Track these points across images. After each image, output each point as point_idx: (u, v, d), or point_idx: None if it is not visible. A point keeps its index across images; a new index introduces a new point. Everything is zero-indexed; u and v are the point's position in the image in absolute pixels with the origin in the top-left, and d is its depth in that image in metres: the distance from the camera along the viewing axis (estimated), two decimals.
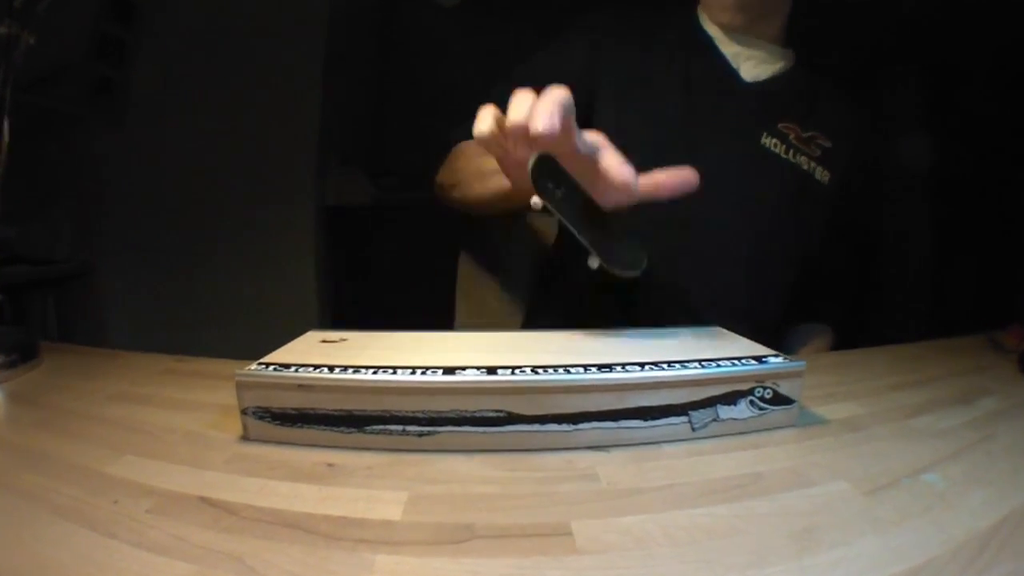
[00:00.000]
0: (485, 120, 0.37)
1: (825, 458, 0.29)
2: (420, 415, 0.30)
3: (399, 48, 2.09)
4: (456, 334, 0.41)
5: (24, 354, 0.42)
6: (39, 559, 0.21)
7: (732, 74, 0.61)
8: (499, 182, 0.47)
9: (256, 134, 1.51)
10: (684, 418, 0.32)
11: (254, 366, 0.32)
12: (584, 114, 0.57)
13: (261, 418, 0.31)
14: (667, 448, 0.31)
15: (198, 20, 1.45)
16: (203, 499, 0.25)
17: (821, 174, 0.61)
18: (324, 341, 0.38)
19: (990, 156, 1.06)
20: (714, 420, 0.32)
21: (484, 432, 0.30)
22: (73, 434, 0.32)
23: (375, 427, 0.31)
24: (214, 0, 1.44)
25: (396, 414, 0.30)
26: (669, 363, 0.32)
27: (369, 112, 2.11)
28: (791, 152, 0.60)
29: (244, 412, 0.31)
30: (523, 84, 0.40)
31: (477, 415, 0.30)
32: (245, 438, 0.32)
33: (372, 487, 0.27)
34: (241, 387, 0.31)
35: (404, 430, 0.30)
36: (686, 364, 0.32)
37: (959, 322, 0.58)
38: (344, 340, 0.38)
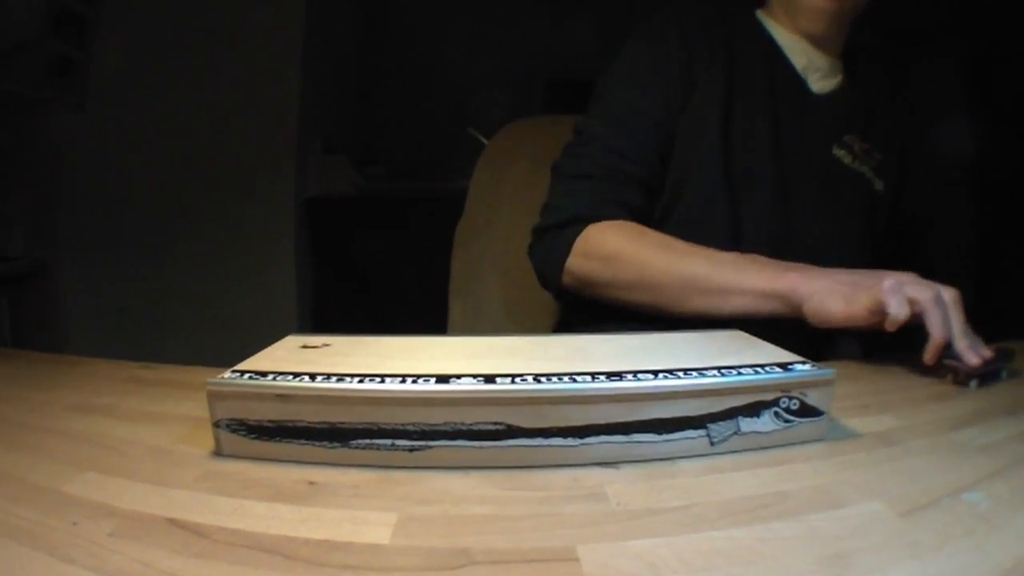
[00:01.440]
0: (903, 311, 0.44)
1: (857, 476, 0.29)
2: (411, 428, 0.30)
3: (385, 22, 2.10)
4: (451, 339, 0.41)
5: None
6: None
7: (805, 86, 0.66)
8: (749, 303, 0.53)
9: (231, 119, 1.51)
10: (702, 431, 0.32)
11: (227, 374, 0.32)
12: (668, 132, 0.63)
13: (235, 431, 0.31)
14: (683, 464, 0.31)
15: None
16: (171, 521, 0.25)
17: (878, 184, 0.67)
18: (305, 347, 0.38)
19: None
20: (735, 434, 0.32)
21: (481, 447, 0.30)
22: (28, 449, 0.32)
23: (361, 441, 0.30)
24: None
25: (384, 427, 0.30)
26: (685, 371, 0.32)
27: (354, 94, 2.12)
28: (856, 162, 0.65)
29: (217, 425, 0.31)
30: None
31: (474, 428, 0.30)
32: (218, 453, 0.32)
33: (358, 507, 0.27)
34: (213, 397, 0.31)
35: (393, 444, 0.30)
36: (704, 372, 0.32)
37: (1008, 325, 0.58)
38: (327, 345, 0.38)
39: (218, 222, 1.49)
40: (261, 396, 0.31)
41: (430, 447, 0.30)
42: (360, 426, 0.30)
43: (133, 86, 1.47)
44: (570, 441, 0.31)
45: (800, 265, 0.52)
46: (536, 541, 0.24)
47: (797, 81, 0.65)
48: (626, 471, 0.30)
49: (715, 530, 0.25)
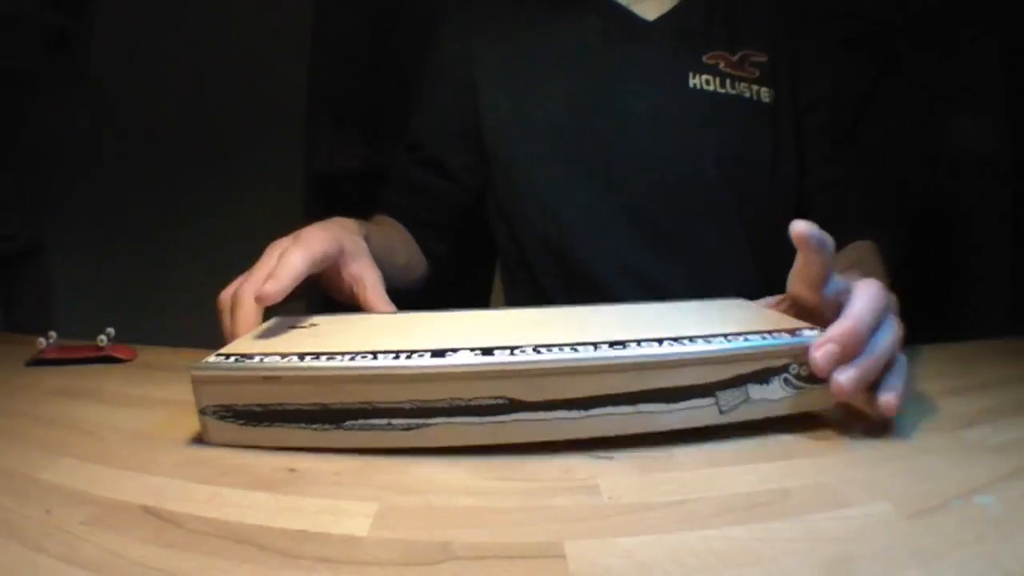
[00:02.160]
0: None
1: (863, 474, 0.28)
2: (407, 406, 0.30)
3: None
4: (444, 313, 0.40)
5: None
6: None
7: (631, 18, 0.60)
8: None
9: (235, 94, 1.50)
10: (711, 400, 0.31)
11: (212, 357, 0.31)
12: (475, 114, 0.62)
13: (223, 418, 0.31)
14: (680, 457, 0.30)
15: None
16: (146, 509, 0.25)
17: (765, 95, 0.59)
18: (292, 327, 0.38)
19: None
20: (744, 402, 0.31)
21: (482, 423, 0.30)
22: (3, 434, 0.32)
23: (355, 422, 0.30)
24: None
25: (379, 406, 0.30)
26: (691, 338, 0.32)
27: (366, 65, 2.08)
28: (728, 83, 0.58)
29: (203, 412, 0.31)
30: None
31: (473, 404, 0.29)
32: (204, 442, 0.31)
33: (338, 496, 0.26)
34: (198, 383, 0.30)
35: (389, 424, 0.30)
36: (710, 339, 0.32)
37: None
38: (315, 325, 0.38)
39: (221, 200, 1.48)
40: (248, 379, 0.30)
41: (428, 425, 0.30)
42: (353, 406, 0.30)
43: (133, 60, 1.45)
44: (574, 413, 0.30)
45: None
46: (521, 536, 0.24)
47: (626, 17, 0.60)
48: (621, 462, 0.30)
49: (711, 528, 0.24)
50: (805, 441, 0.32)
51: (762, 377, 0.31)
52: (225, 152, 1.50)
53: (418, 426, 0.30)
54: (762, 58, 0.59)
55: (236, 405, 0.30)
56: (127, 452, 0.30)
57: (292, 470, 0.28)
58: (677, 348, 0.31)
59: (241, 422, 0.30)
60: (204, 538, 0.23)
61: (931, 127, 1.10)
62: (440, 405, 0.29)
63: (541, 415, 0.30)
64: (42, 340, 0.43)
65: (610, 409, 0.30)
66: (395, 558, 0.22)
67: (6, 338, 0.50)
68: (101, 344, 0.43)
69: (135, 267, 1.48)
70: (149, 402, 0.36)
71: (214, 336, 0.38)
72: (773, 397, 0.32)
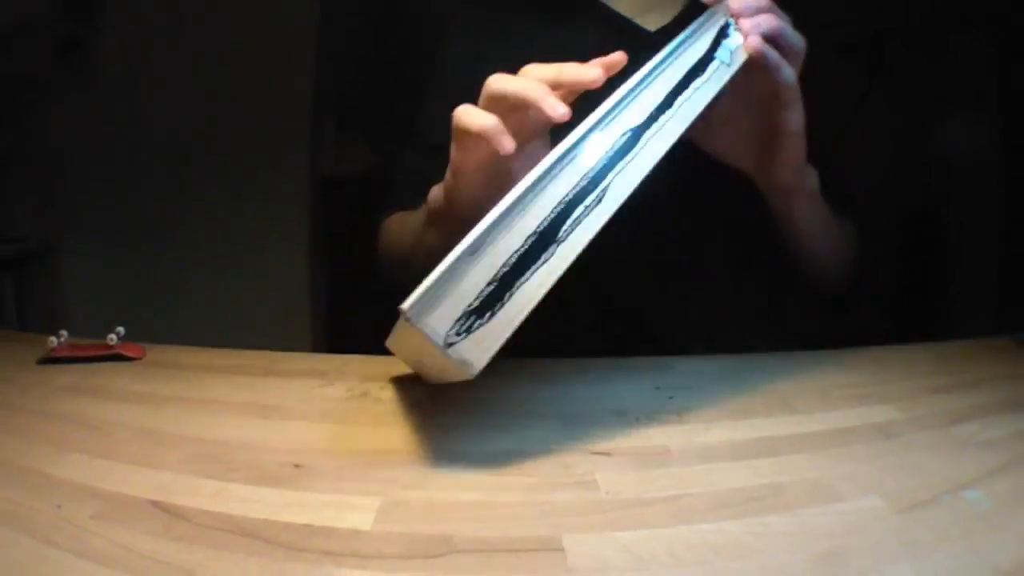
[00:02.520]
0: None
1: (855, 469, 0.28)
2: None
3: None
4: None
5: None
6: None
7: (634, 28, 0.60)
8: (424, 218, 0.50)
9: (240, 97, 1.49)
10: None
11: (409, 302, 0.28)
12: None
13: (469, 330, 0.28)
14: (676, 452, 0.30)
15: None
16: (154, 503, 0.25)
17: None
18: None
19: None
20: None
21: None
22: (15, 431, 0.32)
23: (565, 225, 0.31)
24: None
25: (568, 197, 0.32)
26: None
27: (371, 68, 2.08)
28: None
29: (449, 346, 0.27)
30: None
31: None
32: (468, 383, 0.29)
33: (342, 491, 0.26)
34: (419, 316, 0.27)
35: (586, 208, 0.32)
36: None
37: (1019, 320, 0.56)
38: None
39: (227, 202, 1.48)
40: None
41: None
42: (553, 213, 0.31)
43: (142, 64, 1.45)
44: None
45: None
46: (521, 530, 0.24)
47: (629, 28, 0.60)
48: (618, 458, 0.29)
49: (706, 523, 0.24)
50: (797, 437, 0.32)
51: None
52: (231, 155, 1.49)
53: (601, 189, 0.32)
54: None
55: (469, 306, 0.28)
56: (135, 448, 0.30)
57: (297, 465, 0.28)
58: None
59: (486, 316, 0.28)
60: (211, 532, 0.23)
61: (922, 130, 1.10)
62: None
63: None
64: (53, 339, 0.43)
65: None
66: (398, 551, 0.22)
67: (19, 337, 0.50)
68: (111, 343, 0.43)
69: (143, 268, 1.48)
70: (157, 399, 0.36)
71: (220, 335, 0.38)
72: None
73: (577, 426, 0.33)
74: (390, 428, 0.33)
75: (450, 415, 0.35)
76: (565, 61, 0.61)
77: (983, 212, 1.12)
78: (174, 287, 1.48)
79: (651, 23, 0.60)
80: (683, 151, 0.39)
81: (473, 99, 0.63)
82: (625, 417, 0.34)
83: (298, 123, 1.57)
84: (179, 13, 1.45)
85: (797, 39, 0.41)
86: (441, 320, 0.28)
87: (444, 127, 0.66)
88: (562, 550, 0.22)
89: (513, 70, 0.63)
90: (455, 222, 0.43)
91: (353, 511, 0.25)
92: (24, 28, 1.22)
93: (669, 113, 0.37)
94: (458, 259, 0.28)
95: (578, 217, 0.31)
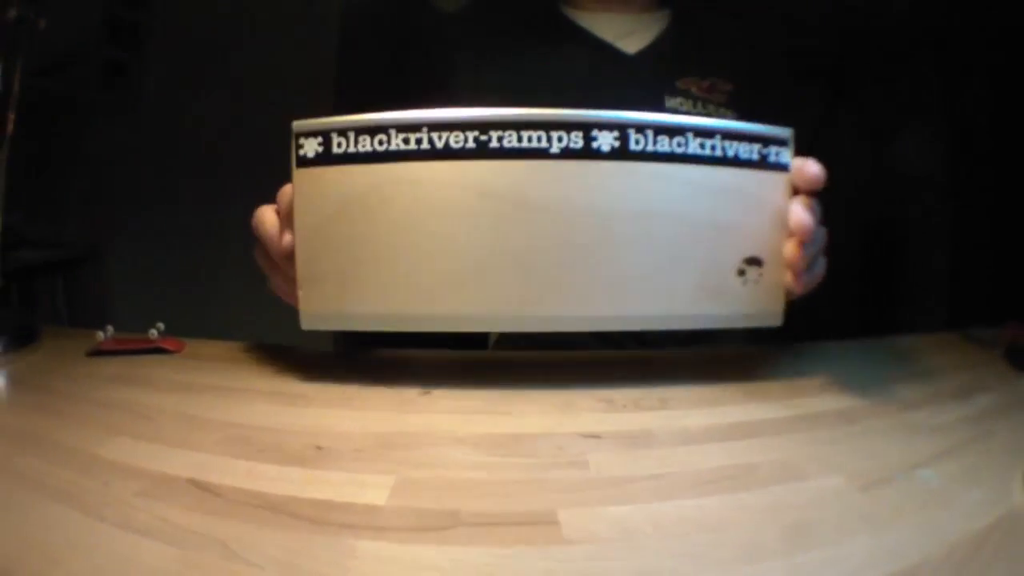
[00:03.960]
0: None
1: (820, 451, 0.28)
2: None
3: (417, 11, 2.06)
4: None
5: (24, 337, 0.42)
6: (28, 541, 0.21)
7: (615, 52, 0.60)
8: None
9: (269, 115, 1.49)
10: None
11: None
12: None
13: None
14: (660, 436, 0.30)
15: (211, 4, 1.43)
16: (191, 481, 0.25)
17: (731, 115, 0.59)
18: None
19: (999, 152, 1.03)
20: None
21: None
22: (68, 416, 0.32)
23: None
24: None
25: None
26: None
27: (385, 87, 2.08)
28: (698, 105, 0.59)
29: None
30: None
31: None
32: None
33: (359, 471, 0.26)
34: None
35: None
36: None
37: (967, 317, 0.56)
38: None
39: (256, 209, 1.48)
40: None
41: None
42: None
43: (179, 87, 1.45)
44: None
45: None
46: (521, 505, 0.24)
47: (609, 51, 0.60)
48: (607, 441, 0.29)
49: (686, 499, 0.24)
50: (768, 422, 0.32)
51: None
52: (259, 166, 1.49)
53: None
54: (728, 87, 0.60)
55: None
56: (175, 431, 0.30)
57: (319, 447, 0.28)
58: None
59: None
60: (242, 507, 0.23)
61: (879, 149, 1.10)
62: None
63: None
64: (100, 333, 0.43)
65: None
66: (410, 524, 0.22)
67: (69, 332, 0.49)
68: (152, 337, 0.43)
69: (182, 269, 1.48)
70: (194, 388, 0.36)
71: (253, 329, 0.38)
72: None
73: (570, 413, 0.33)
74: (402, 414, 0.33)
75: (456, 403, 0.35)
76: (557, 82, 0.59)
77: (934, 222, 1.12)
78: (209, 286, 1.47)
79: (631, 46, 0.60)
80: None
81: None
82: (613, 404, 0.34)
83: None
84: (212, 41, 1.45)
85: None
86: None
87: None
88: (557, 523, 0.22)
89: (511, 91, 0.60)
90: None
91: (369, 488, 0.25)
92: (74, 55, 1.22)
93: None
94: None
95: None
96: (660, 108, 0.58)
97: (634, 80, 0.59)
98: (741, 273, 0.33)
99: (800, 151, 0.65)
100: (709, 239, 0.33)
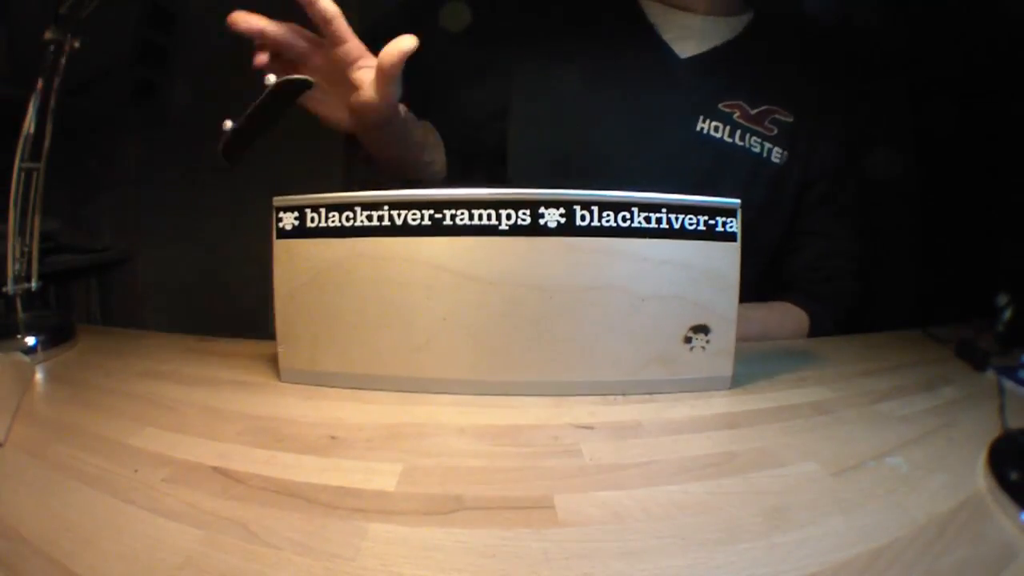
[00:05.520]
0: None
1: (796, 439, 0.28)
2: None
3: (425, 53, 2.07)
4: None
5: (61, 336, 0.42)
6: (63, 524, 0.21)
7: (666, 53, 0.51)
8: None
9: (284, 128, 1.50)
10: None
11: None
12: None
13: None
14: (648, 426, 0.30)
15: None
16: (215, 469, 0.25)
17: (777, 155, 0.50)
18: None
19: (966, 161, 1.04)
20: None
21: None
22: (101, 408, 0.32)
23: None
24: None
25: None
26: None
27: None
28: (737, 134, 0.50)
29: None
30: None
31: None
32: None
33: (370, 459, 0.26)
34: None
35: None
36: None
37: (933, 316, 0.56)
38: None
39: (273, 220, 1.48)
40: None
41: None
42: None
43: (204, 103, 1.45)
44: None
45: None
46: (519, 490, 0.24)
47: (661, 50, 0.51)
48: (599, 431, 0.29)
49: (672, 484, 0.24)
50: (748, 413, 0.32)
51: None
52: (277, 175, 1.49)
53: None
54: (787, 118, 0.50)
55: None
56: (200, 422, 0.30)
57: (333, 438, 0.28)
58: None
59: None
60: (262, 492, 0.23)
61: (853, 158, 1.11)
62: None
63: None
64: (228, 122, 0.40)
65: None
66: (417, 508, 0.22)
67: (103, 331, 0.49)
68: (271, 82, 0.39)
69: (205, 272, 1.48)
70: (218, 382, 0.36)
71: (269, 328, 0.38)
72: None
73: (565, 405, 0.33)
74: (409, 407, 0.33)
75: (459, 396, 0.34)
76: (609, 80, 0.50)
77: (901, 230, 1.12)
78: (231, 287, 1.47)
79: (686, 50, 0.51)
80: None
81: (544, 117, 0.52)
82: (604, 397, 0.34)
83: (333, 144, 1.57)
84: (232, 63, 1.45)
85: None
86: None
87: (528, 145, 0.53)
88: (553, 507, 0.22)
89: (576, 89, 0.51)
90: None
91: (380, 475, 0.25)
92: (106, 75, 1.22)
93: None
94: None
95: None
96: (690, 131, 0.50)
97: (673, 91, 0.50)
98: (688, 340, 0.33)
99: (845, 205, 0.54)
100: (654, 309, 0.32)
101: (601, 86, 0.51)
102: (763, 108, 0.50)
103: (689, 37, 0.51)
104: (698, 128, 0.50)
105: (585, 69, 0.52)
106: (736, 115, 0.50)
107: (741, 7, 0.53)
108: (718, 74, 0.51)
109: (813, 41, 0.55)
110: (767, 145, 0.50)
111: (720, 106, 0.50)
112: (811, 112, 0.52)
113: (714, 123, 0.50)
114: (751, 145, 0.50)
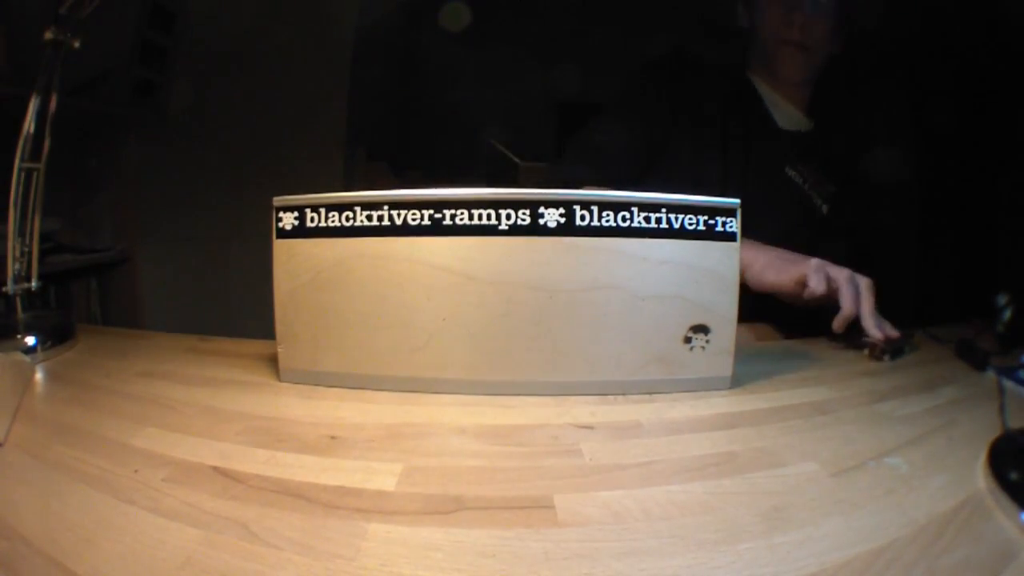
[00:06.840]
0: (820, 286, 0.45)
1: (796, 439, 0.28)
2: None
3: (423, 55, 2.07)
4: None
5: (61, 335, 0.42)
6: (65, 524, 0.21)
7: (773, 121, 0.69)
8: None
9: (286, 133, 1.50)
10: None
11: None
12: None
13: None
14: (648, 427, 0.30)
15: (234, 28, 1.43)
16: (215, 469, 0.25)
17: (824, 208, 0.68)
18: None
19: (961, 165, 1.04)
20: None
21: None
22: (101, 408, 0.32)
23: None
24: (242, 21, 1.42)
25: None
26: None
27: (395, 111, 2.10)
28: (807, 185, 0.68)
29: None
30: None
31: None
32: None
33: (371, 459, 0.26)
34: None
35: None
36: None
37: (933, 316, 0.56)
38: None
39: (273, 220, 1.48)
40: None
41: None
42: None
43: (203, 104, 1.46)
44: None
45: (747, 240, 0.52)
46: (519, 490, 0.24)
47: (771, 119, 0.70)
48: (599, 431, 0.29)
49: (672, 484, 0.24)
50: (748, 413, 0.32)
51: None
52: (278, 177, 1.50)
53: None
54: (833, 188, 0.68)
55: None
56: (200, 422, 0.30)
57: (333, 437, 0.28)
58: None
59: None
60: (262, 492, 0.23)
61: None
62: None
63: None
64: None
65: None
66: (417, 508, 0.22)
67: (103, 331, 0.49)
68: None
69: (205, 272, 1.48)
70: (217, 382, 0.36)
71: (268, 328, 0.38)
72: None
73: (565, 405, 0.33)
74: (409, 407, 0.33)
75: (459, 396, 0.34)
76: (731, 147, 0.66)
77: (901, 230, 1.12)
78: (231, 288, 1.47)
79: (782, 121, 0.69)
80: None
81: (683, 178, 0.61)
82: (604, 397, 0.34)
83: (333, 154, 1.58)
84: (232, 63, 1.46)
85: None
86: None
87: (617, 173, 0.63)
88: (553, 507, 0.22)
89: (716, 158, 0.67)
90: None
91: (379, 475, 0.25)
92: (107, 74, 1.22)
93: None
94: None
95: None
96: (781, 172, 0.66)
97: (774, 144, 0.67)
98: (688, 340, 0.33)
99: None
100: (654, 309, 0.32)
101: (734, 142, 0.67)
102: (822, 176, 0.69)
103: (786, 117, 0.69)
104: (787, 172, 0.68)
105: (720, 132, 0.67)
106: (807, 174, 0.68)
107: (809, 112, 0.71)
108: (801, 144, 0.69)
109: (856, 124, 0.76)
110: (819, 200, 0.69)
111: (799, 164, 0.68)
112: (850, 192, 0.70)
113: (794, 172, 0.68)
114: (812, 195, 0.68)
